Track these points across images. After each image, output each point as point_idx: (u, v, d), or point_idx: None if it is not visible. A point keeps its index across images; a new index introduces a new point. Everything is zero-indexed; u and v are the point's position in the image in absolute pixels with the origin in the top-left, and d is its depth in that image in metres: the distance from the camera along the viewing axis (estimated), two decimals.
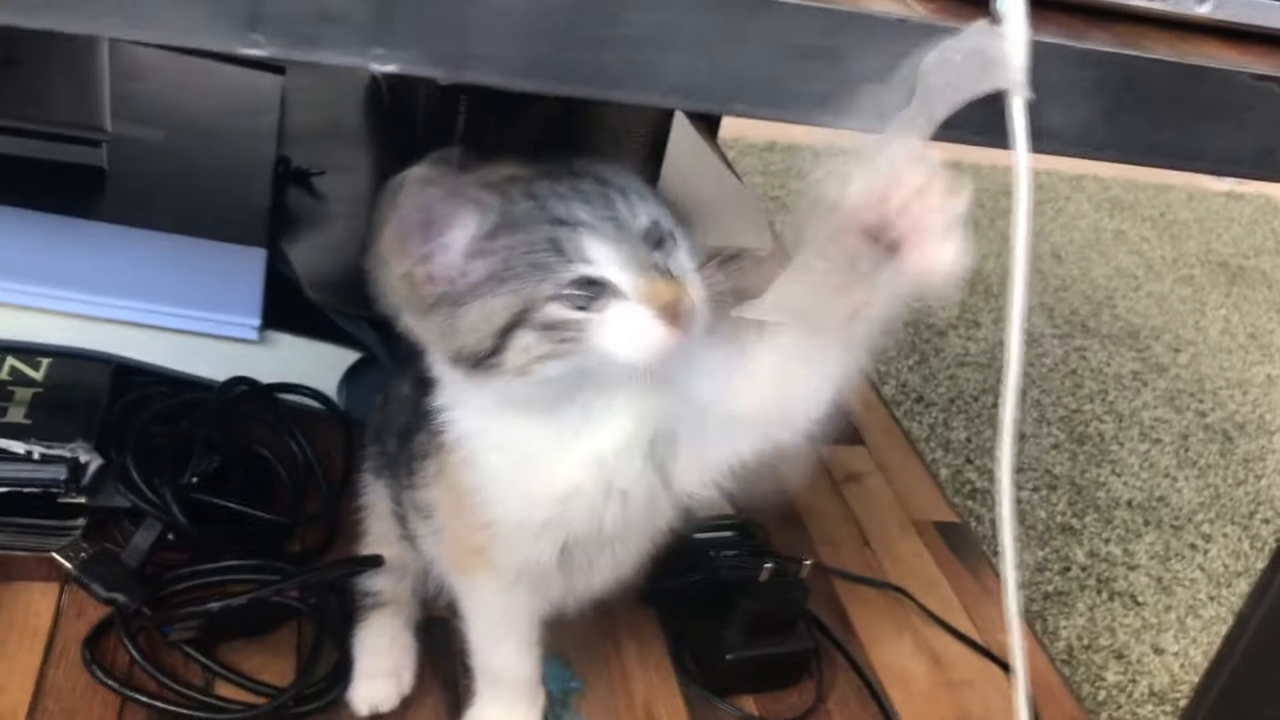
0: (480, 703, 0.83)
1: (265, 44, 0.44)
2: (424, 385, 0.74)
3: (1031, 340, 1.95)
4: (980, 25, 0.50)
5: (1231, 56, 0.55)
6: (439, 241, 0.64)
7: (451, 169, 0.63)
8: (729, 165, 1.70)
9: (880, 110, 0.51)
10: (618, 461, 0.71)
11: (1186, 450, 1.76)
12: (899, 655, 0.99)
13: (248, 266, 1.04)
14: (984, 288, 2.06)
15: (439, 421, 0.73)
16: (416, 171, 0.62)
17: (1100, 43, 0.53)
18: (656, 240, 0.66)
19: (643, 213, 0.66)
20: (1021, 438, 1.68)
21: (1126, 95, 0.54)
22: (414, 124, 1.32)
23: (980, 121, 0.52)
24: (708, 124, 1.83)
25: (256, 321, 1.00)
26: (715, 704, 0.91)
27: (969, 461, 1.58)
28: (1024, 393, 1.79)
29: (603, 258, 0.63)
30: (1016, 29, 0.50)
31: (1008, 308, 0.57)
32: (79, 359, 0.96)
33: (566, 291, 0.63)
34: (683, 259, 0.66)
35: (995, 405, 1.78)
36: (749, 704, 0.91)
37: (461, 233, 0.64)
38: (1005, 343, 0.57)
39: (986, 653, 1.00)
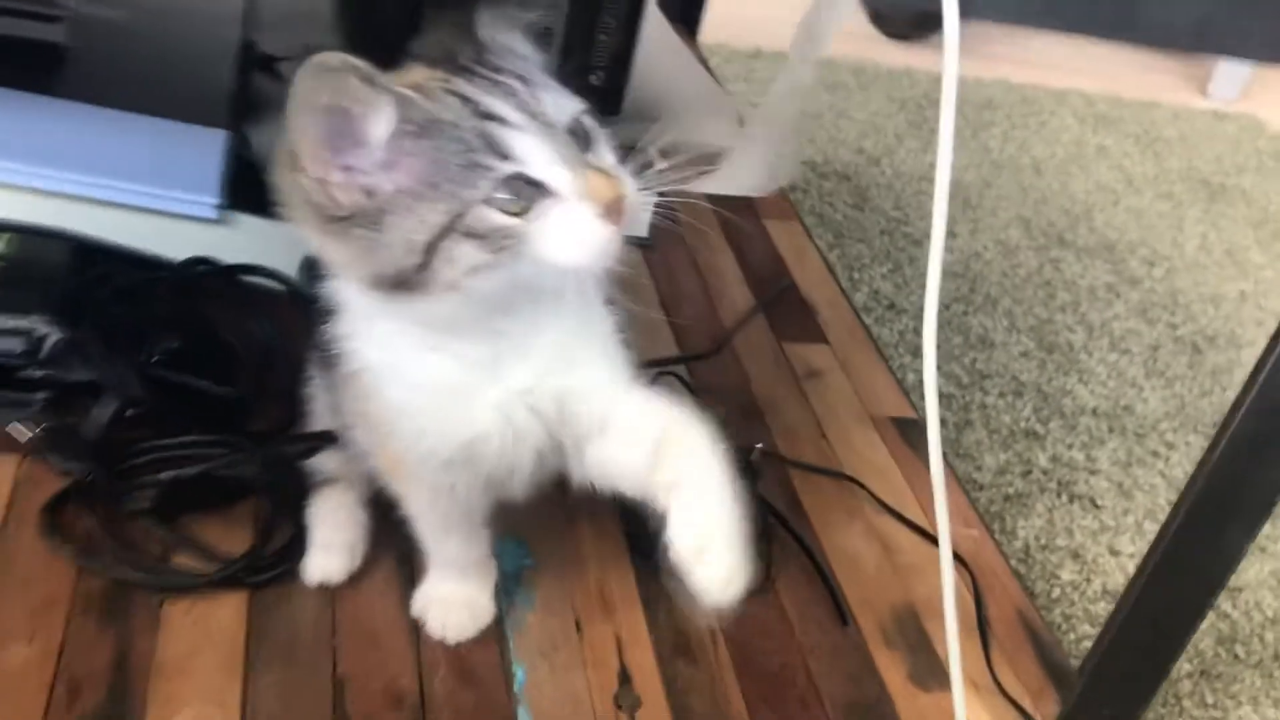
0: (431, 578, 0.85)
1: None
2: None
3: (1006, 251, 1.95)
4: None
5: None
6: (357, 140, 0.59)
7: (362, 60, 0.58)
8: (706, 66, 1.69)
9: None
10: (521, 410, 0.70)
11: (1155, 361, 1.77)
12: (849, 540, 1.01)
13: (208, 147, 1.04)
14: (962, 198, 2.06)
15: (340, 351, 0.71)
16: (327, 58, 0.56)
17: None
18: (582, 135, 0.64)
19: (566, 107, 0.63)
20: (990, 345, 1.69)
21: None
22: (382, 7, 1.30)
23: None
24: (687, 24, 1.82)
25: (214, 200, 0.99)
26: (665, 582, 0.92)
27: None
28: (995, 302, 1.80)
29: (535, 155, 0.60)
30: None
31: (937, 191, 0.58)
32: (39, 235, 0.96)
33: (500, 194, 0.60)
34: (607, 153, 0.65)
35: (966, 314, 1.76)
36: None
37: (382, 130, 0.59)
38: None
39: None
